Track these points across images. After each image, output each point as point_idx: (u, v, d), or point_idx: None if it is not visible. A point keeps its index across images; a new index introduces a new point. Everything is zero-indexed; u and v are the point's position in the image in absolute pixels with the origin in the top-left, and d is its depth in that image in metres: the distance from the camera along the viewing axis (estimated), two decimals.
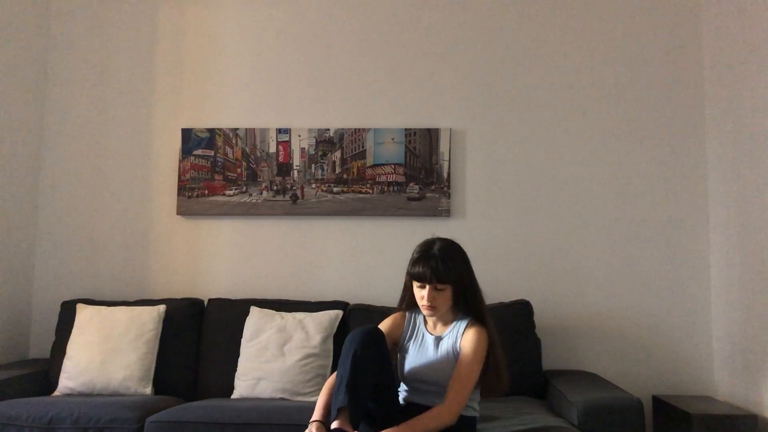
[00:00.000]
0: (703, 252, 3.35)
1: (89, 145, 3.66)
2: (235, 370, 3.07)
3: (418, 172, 3.47)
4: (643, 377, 3.29)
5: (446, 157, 3.47)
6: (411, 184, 3.47)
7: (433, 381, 2.18)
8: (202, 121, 3.63)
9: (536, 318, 3.21)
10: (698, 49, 3.45)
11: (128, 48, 3.70)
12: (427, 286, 2.13)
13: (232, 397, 3.03)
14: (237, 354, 3.09)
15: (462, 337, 2.18)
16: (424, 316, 2.27)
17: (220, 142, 3.57)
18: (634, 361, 3.32)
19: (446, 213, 3.44)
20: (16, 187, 3.50)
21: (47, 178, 3.66)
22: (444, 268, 2.11)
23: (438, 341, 2.22)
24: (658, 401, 3.11)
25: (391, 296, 3.27)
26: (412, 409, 2.14)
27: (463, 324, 2.21)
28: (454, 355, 2.17)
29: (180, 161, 3.58)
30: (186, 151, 3.58)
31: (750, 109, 2.96)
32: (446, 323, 2.25)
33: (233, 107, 3.62)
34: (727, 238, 3.17)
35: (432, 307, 2.14)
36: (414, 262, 2.17)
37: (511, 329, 3.09)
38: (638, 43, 3.48)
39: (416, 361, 2.22)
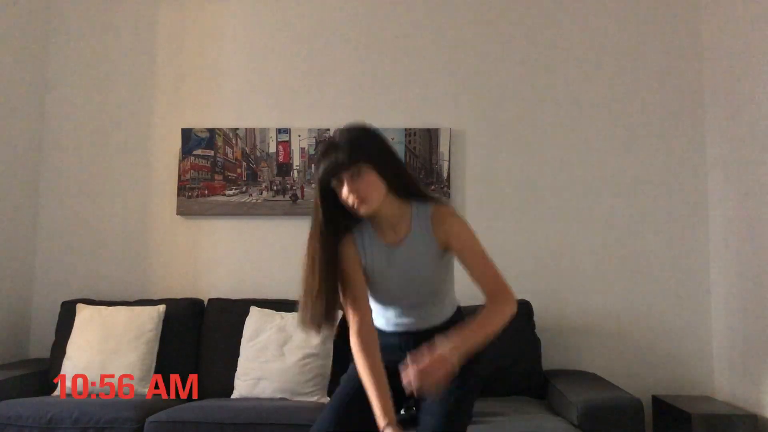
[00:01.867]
0: (703, 252, 3.35)
1: (89, 145, 3.66)
2: (235, 370, 3.07)
3: (418, 172, 3.47)
4: (643, 377, 3.29)
5: (446, 157, 3.47)
6: None
7: (424, 290, 1.85)
8: (202, 121, 3.62)
9: (536, 318, 3.21)
10: (698, 49, 3.45)
11: (128, 48, 3.69)
12: (344, 180, 1.70)
13: (232, 397, 3.03)
14: (237, 354, 3.09)
15: (435, 226, 1.80)
16: (371, 231, 1.84)
17: (220, 142, 3.57)
18: (634, 361, 3.32)
19: None
20: (16, 187, 3.50)
21: (47, 178, 3.65)
22: (350, 148, 1.68)
23: (404, 244, 1.81)
24: (658, 401, 3.11)
25: None
26: (413, 340, 1.83)
27: (423, 211, 1.81)
28: (436, 250, 1.81)
29: (180, 161, 3.58)
30: (186, 151, 3.58)
31: (750, 108, 2.95)
32: (400, 222, 1.82)
33: (233, 107, 3.62)
34: (727, 239, 3.17)
35: (362, 199, 1.70)
36: (316, 164, 1.73)
37: (511, 329, 3.05)
38: (638, 43, 3.48)
39: (390, 280, 1.83)
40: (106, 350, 3.04)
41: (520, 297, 3.28)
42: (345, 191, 1.71)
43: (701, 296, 3.33)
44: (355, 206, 1.71)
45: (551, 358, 3.30)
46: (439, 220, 1.80)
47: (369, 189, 1.71)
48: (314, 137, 3.55)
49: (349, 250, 1.81)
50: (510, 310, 1.82)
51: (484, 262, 1.82)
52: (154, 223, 3.59)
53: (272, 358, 2.97)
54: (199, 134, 3.59)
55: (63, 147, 3.66)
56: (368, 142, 1.75)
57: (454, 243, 1.80)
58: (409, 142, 3.48)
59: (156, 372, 3.08)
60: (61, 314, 3.31)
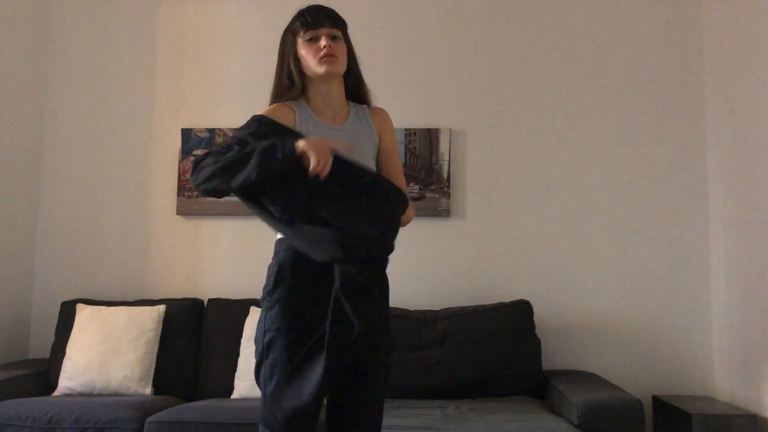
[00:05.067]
0: (703, 252, 3.35)
1: (89, 145, 3.66)
2: (235, 370, 3.07)
3: (418, 172, 3.47)
4: (643, 377, 3.29)
5: (446, 157, 3.47)
6: (411, 184, 3.46)
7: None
8: (202, 121, 3.62)
9: (536, 318, 3.21)
10: (698, 49, 3.45)
11: (128, 48, 3.70)
12: (323, 34, 1.79)
13: (232, 397, 3.03)
14: (237, 354, 3.09)
15: (373, 115, 1.90)
16: (308, 109, 1.83)
17: (220, 141, 3.57)
18: (634, 361, 3.32)
19: (446, 213, 3.44)
20: (16, 187, 3.50)
21: (47, 178, 3.65)
22: (338, 16, 1.85)
23: (345, 127, 1.84)
24: (658, 401, 3.11)
25: (391, 295, 3.28)
26: None
27: (360, 107, 1.90)
28: (373, 139, 1.87)
29: (180, 161, 3.58)
30: (186, 151, 3.58)
31: (750, 109, 2.95)
32: (339, 111, 1.86)
33: (233, 107, 3.62)
34: (727, 238, 3.17)
35: (333, 57, 1.77)
36: (300, 13, 1.88)
37: (511, 329, 3.09)
38: (638, 43, 3.48)
39: None
40: (106, 350, 3.04)
41: (520, 297, 3.31)
42: (319, 43, 1.77)
43: (701, 296, 3.33)
44: (324, 59, 1.76)
45: (551, 358, 3.30)
46: (377, 113, 1.91)
47: (341, 53, 1.81)
48: None
49: (287, 112, 1.79)
50: (413, 214, 1.86)
51: (401, 165, 1.93)
52: (154, 223, 3.59)
53: None
54: (199, 134, 3.59)
55: (63, 147, 3.66)
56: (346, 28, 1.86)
57: (387, 138, 1.89)
58: (409, 142, 3.48)
59: (156, 372, 3.08)
60: (60, 314, 3.31)
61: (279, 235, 1.78)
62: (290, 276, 1.70)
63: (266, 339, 1.69)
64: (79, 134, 3.67)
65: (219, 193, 1.66)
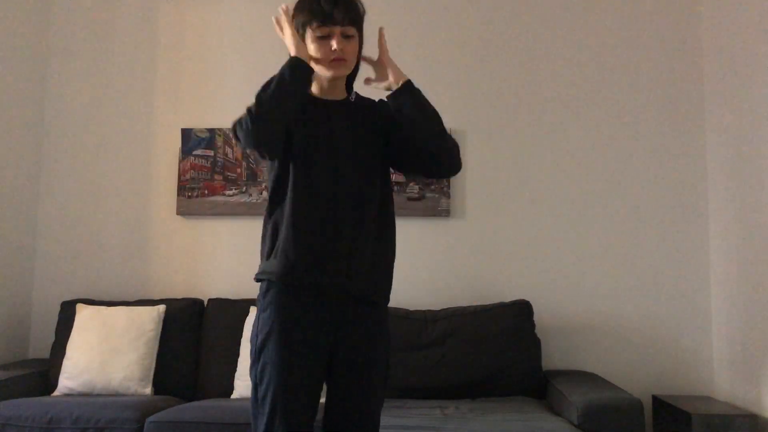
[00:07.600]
0: (703, 252, 3.35)
1: (89, 145, 3.66)
2: (235, 370, 3.07)
3: None
4: (643, 377, 3.29)
5: None
6: (411, 184, 3.46)
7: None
8: (202, 121, 3.62)
9: (536, 318, 3.21)
10: (698, 49, 3.45)
11: (128, 48, 3.69)
12: (337, 32, 1.65)
13: (232, 397, 3.03)
14: (237, 354, 3.09)
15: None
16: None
17: (220, 142, 3.57)
18: (634, 361, 3.32)
19: (446, 213, 3.44)
20: (16, 187, 3.50)
21: (47, 179, 3.65)
22: (358, 11, 1.69)
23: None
24: (658, 401, 3.11)
25: (391, 295, 3.28)
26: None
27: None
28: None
29: (180, 161, 3.58)
30: (186, 151, 3.58)
31: (750, 109, 2.95)
32: (340, 89, 1.79)
33: (233, 107, 3.58)
34: (727, 238, 3.17)
35: (345, 59, 1.67)
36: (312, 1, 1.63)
37: (511, 329, 3.09)
38: (638, 43, 3.48)
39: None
40: (106, 350, 3.04)
41: (520, 297, 3.31)
42: (332, 42, 1.65)
43: (701, 296, 3.32)
44: (334, 62, 1.67)
45: (551, 358, 3.30)
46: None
47: (352, 56, 1.70)
48: None
49: None
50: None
51: None
52: (154, 223, 3.59)
53: None
54: (199, 134, 3.59)
55: (63, 147, 3.66)
56: (361, 6, 1.73)
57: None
58: None
59: (156, 372, 3.08)
60: (61, 314, 3.31)
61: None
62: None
63: (258, 341, 1.71)
64: (80, 134, 3.67)
65: (277, 122, 1.69)
